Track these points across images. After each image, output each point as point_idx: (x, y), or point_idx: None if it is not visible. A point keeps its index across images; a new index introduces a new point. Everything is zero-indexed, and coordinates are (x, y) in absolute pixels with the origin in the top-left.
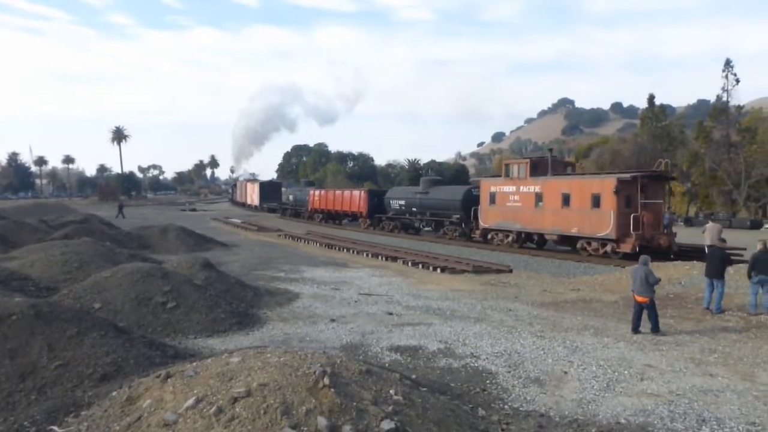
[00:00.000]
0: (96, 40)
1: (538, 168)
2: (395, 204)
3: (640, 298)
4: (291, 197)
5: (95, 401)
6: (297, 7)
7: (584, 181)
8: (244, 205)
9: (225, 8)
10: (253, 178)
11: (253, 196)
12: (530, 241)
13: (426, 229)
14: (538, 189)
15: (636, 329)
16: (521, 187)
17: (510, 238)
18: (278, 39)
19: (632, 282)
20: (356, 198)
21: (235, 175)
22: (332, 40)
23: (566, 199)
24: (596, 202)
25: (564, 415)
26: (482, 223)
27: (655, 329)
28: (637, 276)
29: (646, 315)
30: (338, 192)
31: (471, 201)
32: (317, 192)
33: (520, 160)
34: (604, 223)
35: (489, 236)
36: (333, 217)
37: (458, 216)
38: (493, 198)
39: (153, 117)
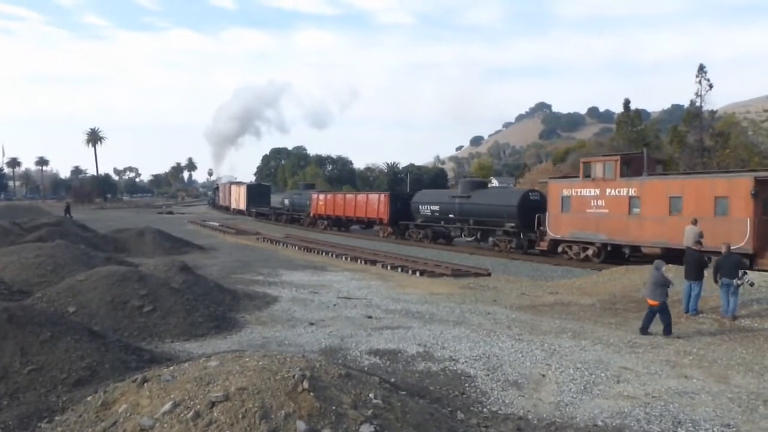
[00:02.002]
0: (70, 41)
1: (629, 166)
2: (425, 210)
3: (650, 302)
4: (287, 201)
5: (69, 406)
6: (276, 10)
7: (704, 182)
8: (227, 209)
9: (202, 10)
10: (237, 181)
11: (238, 199)
12: (618, 255)
13: (467, 239)
14: (633, 192)
15: (645, 330)
16: (608, 190)
17: (590, 251)
18: (257, 42)
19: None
20: (374, 202)
21: (213, 178)
22: (312, 43)
23: (675, 204)
24: (722, 207)
25: (542, 417)
26: (551, 233)
27: (666, 332)
28: (649, 280)
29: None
30: (349, 196)
31: (529, 207)
32: (321, 196)
33: (607, 157)
34: (735, 234)
35: (560, 249)
36: (341, 224)
37: (513, 224)
38: (566, 203)
39: (129, 119)
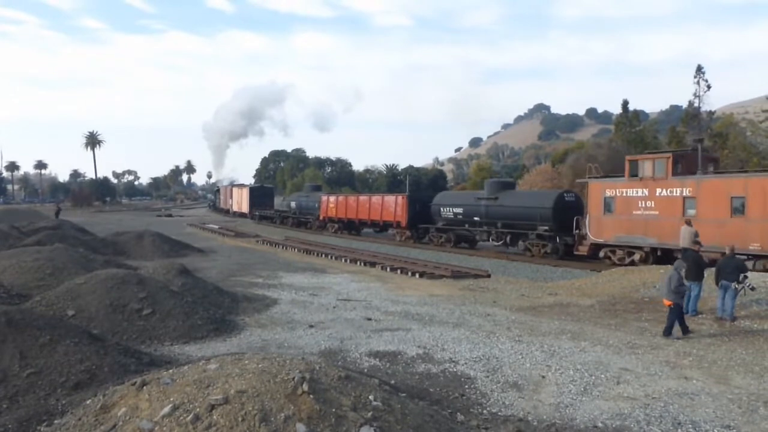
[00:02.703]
0: (67, 44)
1: (680, 164)
2: (448, 212)
3: (666, 302)
4: (293, 204)
5: (69, 410)
6: (273, 12)
7: None
8: (228, 212)
9: (199, 13)
10: (239, 183)
11: (240, 202)
12: (669, 261)
13: (495, 243)
14: (688, 192)
15: (668, 332)
16: (658, 190)
17: (636, 256)
18: (254, 44)
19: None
20: (390, 205)
21: (212, 180)
22: (309, 45)
23: (739, 206)
24: None
25: (542, 419)
26: (592, 237)
27: (666, 332)
28: (666, 281)
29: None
30: (363, 198)
31: (564, 208)
32: (332, 198)
33: (657, 155)
34: None
35: (601, 253)
36: (354, 227)
37: (547, 227)
38: (609, 204)
39: (128, 122)
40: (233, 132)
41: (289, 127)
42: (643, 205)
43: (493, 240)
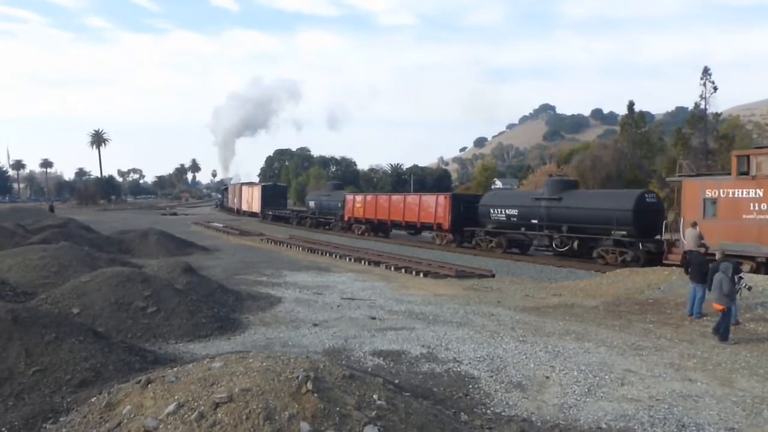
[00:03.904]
0: (73, 43)
1: None
2: (499, 214)
3: (717, 306)
4: (312, 203)
5: (74, 407)
6: (278, 11)
7: None
8: (237, 211)
9: (205, 12)
10: (249, 182)
11: (251, 201)
12: None
13: (559, 249)
14: None
15: (724, 338)
16: None
17: (747, 267)
18: (259, 43)
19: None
20: (430, 205)
21: (217, 179)
22: (314, 44)
23: None
24: None
25: (546, 420)
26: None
27: (716, 331)
28: (716, 284)
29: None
30: (396, 197)
31: (646, 211)
32: (359, 197)
33: None
34: None
35: None
36: (382, 229)
37: (625, 232)
38: (710, 207)
39: (133, 121)
40: (243, 124)
41: (303, 124)
42: (757, 208)
43: (556, 245)
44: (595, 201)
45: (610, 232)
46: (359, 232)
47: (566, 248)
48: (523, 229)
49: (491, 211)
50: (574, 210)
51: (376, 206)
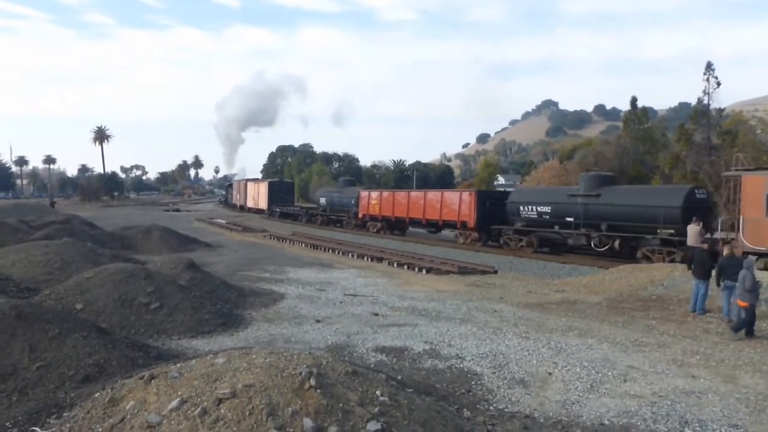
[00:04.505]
0: (74, 39)
1: None
2: (529, 211)
3: (740, 303)
4: (323, 200)
5: (77, 402)
6: (279, 7)
7: None
8: (242, 208)
9: (205, 8)
10: (254, 178)
11: (257, 198)
12: None
13: (598, 249)
14: None
15: (749, 333)
16: None
17: None
18: (260, 39)
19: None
20: (453, 202)
21: (220, 175)
22: (315, 40)
23: None
24: None
25: (548, 416)
26: (747, 244)
27: (737, 329)
28: (739, 280)
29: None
30: (416, 194)
31: (696, 208)
32: (374, 193)
33: None
34: None
35: (761, 264)
36: (399, 226)
37: (673, 231)
38: None
39: (135, 117)
40: (247, 117)
41: (309, 120)
42: None
43: (594, 245)
44: (639, 197)
45: (656, 230)
46: (374, 230)
47: (605, 248)
48: (556, 227)
49: (521, 208)
50: (615, 207)
51: (394, 203)
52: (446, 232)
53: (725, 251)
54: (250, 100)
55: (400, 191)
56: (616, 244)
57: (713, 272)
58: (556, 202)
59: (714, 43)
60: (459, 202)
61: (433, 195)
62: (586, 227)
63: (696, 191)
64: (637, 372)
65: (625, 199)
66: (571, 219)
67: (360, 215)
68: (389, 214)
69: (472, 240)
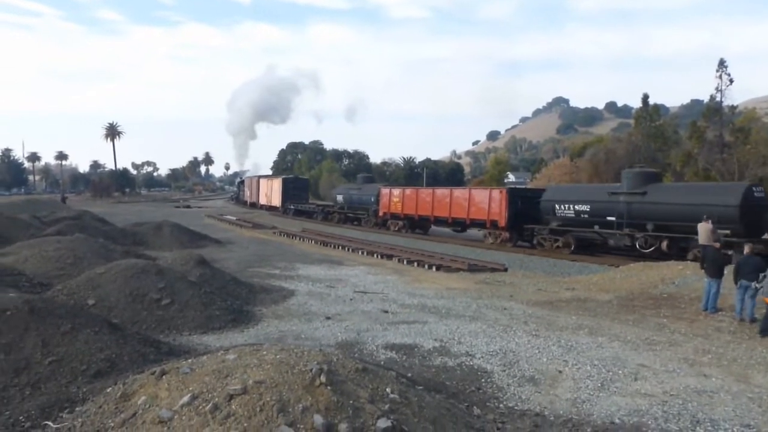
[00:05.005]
0: (86, 36)
1: None
2: (565, 210)
3: (766, 300)
4: (340, 197)
5: (89, 397)
6: (290, 4)
7: None
8: (253, 205)
9: (216, 4)
10: (267, 174)
11: (270, 195)
12: None
13: (643, 250)
14: None
15: (764, 332)
16: None
17: None
18: (271, 36)
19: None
20: (482, 200)
21: (230, 172)
22: (326, 37)
23: None
24: None
25: (559, 414)
26: None
27: (764, 332)
28: (766, 278)
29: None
30: (441, 191)
31: (754, 207)
32: (396, 191)
33: None
34: None
35: None
36: (421, 225)
37: (729, 231)
38: None
39: (147, 113)
40: (260, 111)
41: (323, 116)
42: None
43: (640, 246)
44: (691, 195)
45: None
46: (395, 229)
47: (652, 249)
48: (596, 227)
49: (557, 207)
50: (663, 206)
51: (417, 201)
52: (472, 232)
53: (745, 250)
54: (264, 94)
55: (424, 189)
56: (664, 245)
57: (731, 270)
58: (595, 201)
59: (727, 39)
60: (489, 201)
61: (460, 193)
62: (630, 227)
63: (754, 189)
64: (648, 371)
65: (674, 197)
66: (612, 218)
67: (381, 213)
68: (412, 212)
69: (502, 240)
